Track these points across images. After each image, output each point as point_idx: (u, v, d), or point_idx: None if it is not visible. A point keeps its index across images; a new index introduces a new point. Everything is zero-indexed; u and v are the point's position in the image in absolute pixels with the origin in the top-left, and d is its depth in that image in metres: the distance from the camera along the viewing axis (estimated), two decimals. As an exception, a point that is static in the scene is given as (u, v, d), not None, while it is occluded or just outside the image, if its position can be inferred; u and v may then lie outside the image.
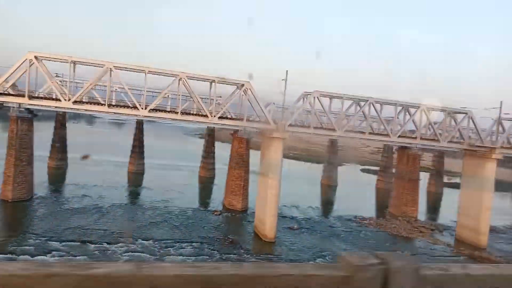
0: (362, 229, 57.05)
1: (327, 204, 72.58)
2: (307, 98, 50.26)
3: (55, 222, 45.15)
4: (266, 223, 47.36)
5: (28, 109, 51.79)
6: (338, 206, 72.98)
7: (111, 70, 42.62)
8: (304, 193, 78.20)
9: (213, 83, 46.77)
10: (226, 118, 49.40)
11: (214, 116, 45.47)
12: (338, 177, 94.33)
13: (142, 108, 43.45)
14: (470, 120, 54.23)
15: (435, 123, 58.60)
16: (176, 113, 45.64)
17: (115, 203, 55.29)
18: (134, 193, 64.27)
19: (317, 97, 49.30)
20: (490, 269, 3.23)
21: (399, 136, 52.22)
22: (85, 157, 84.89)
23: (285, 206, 66.99)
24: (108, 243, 40.68)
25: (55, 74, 58.19)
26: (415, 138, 53.87)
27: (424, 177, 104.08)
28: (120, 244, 40.80)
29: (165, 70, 44.97)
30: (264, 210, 47.86)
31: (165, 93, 46.91)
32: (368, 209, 69.45)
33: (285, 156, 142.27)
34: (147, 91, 45.89)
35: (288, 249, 46.17)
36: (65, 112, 75.90)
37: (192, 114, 47.91)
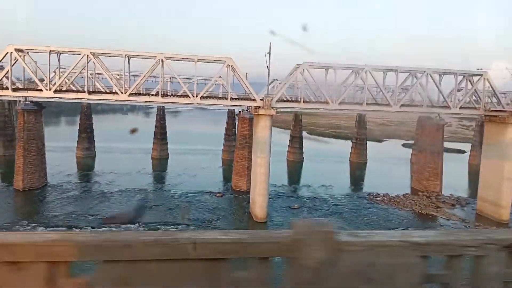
0: (371, 206, 53.85)
1: (346, 182, 69.27)
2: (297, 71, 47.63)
3: (52, 209, 47.16)
4: (256, 203, 46.08)
5: (35, 101, 54.22)
6: (357, 183, 69.73)
7: (88, 56, 43.13)
8: (326, 171, 75.56)
9: (195, 62, 45.68)
10: (211, 97, 48.22)
11: (196, 97, 44.51)
12: (370, 153, 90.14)
13: (123, 93, 43.59)
14: (487, 83, 48.57)
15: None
16: (157, 95, 45.34)
17: (121, 188, 56.54)
18: (145, 178, 65.06)
19: (307, 69, 46.57)
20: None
21: (402, 105, 48.04)
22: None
23: (295, 184, 65.42)
24: (92, 228, 41.70)
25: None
26: (421, 106, 49.34)
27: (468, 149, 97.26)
28: (104, 229, 41.61)
29: (145, 52, 44.70)
30: (254, 189, 46.57)
31: (146, 76, 46.46)
32: (393, 186, 65.24)
33: (324, 134, 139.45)
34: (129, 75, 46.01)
35: (278, 229, 44.58)
36: (89, 103, 79.11)
37: (175, 96, 47.33)
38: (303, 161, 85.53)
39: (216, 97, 49.59)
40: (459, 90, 52.05)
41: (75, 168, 71.42)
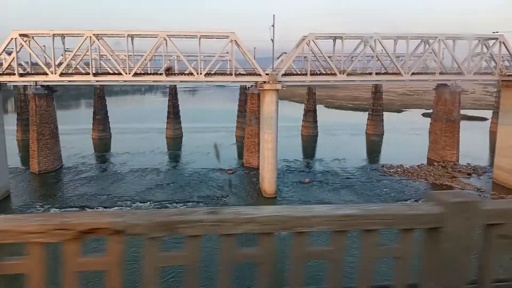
0: (384, 179, 53.00)
1: (360, 154, 68.05)
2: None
3: (66, 191, 48.19)
4: (265, 179, 45.92)
5: (46, 86, 54.76)
6: (372, 156, 68.64)
7: (90, 38, 42.99)
8: (340, 145, 74.66)
9: (199, 39, 44.97)
10: (216, 74, 47.61)
11: (201, 74, 44.04)
12: (388, 124, 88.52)
13: (127, 73, 43.44)
14: (503, 46, 46.32)
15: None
16: (161, 74, 45.00)
17: (134, 168, 57.22)
18: (158, 158, 65.23)
19: (313, 40, 45.27)
20: None
21: (414, 74, 46.41)
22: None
23: (308, 159, 64.90)
24: (104, 207, 42.43)
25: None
26: (433, 74, 47.58)
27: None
28: (115, 208, 42.31)
29: (147, 31, 44.29)
30: (263, 165, 46.34)
31: (151, 55, 46.07)
32: (409, 157, 63.94)
33: (342, 107, 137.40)
34: (134, 54, 45.74)
35: (288, 203, 44.45)
36: (102, 85, 79.67)
37: (178, 74, 46.95)
38: (317, 135, 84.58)
39: (222, 74, 48.88)
40: (475, 56, 49.96)
41: (90, 150, 72.34)
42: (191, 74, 44.70)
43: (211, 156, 65.45)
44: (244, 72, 52.95)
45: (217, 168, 57.45)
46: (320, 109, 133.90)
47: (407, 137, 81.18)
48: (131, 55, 46.85)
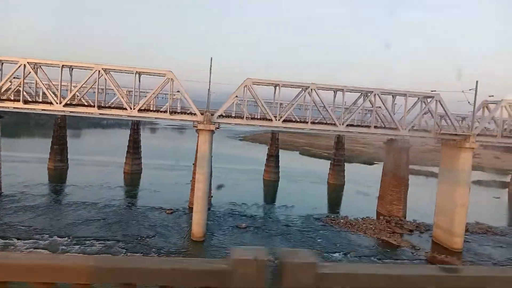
0: (323, 229, 51.84)
1: (312, 203, 66.48)
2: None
3: (-12, 219, 46.41)
4: (194, 221, 44.64)
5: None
6: (323, 205, 67.64)
7: (25, 66, 42.90)
8: (297, 192, 73.88)
9: (137, 75, 44.97)
10: (149, 110, 47.31)
11: (134, 109, 43.70)
12: (353, 175, 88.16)
13: (57, 103, 43.01)
14: (439, 105, 46.83)
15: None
16: (93, 106, 44.48)
17: (72, 201, 55.67)
18: (105, 192, 63.06)
19: (250, 86, 45.45)
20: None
21: (349, 125, 46.45)
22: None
23: (257, 204, 63.70)
24: (18, 239, 40.66)
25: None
26: (369, 127, 47.72)
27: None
28: (29, 241, 40.59)
29: (83, 63, 44.32)
30: (195, 206, 45.20)
31: (88, 87, 45.71)
32: (360, 209, 63.18)
33: (316, 155, 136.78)
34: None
35: (213, 248, 42.97)
36: (64, 115, 78.94)
37: (112, 108, 46.64)
38: (278, 180, 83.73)
39: (157, 111, 48.62)
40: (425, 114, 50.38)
41: (42, 179, 70.42)
42: (125, 108, 44.40)
43: (159, 195, 63.99)
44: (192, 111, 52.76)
45: (157, 207, 55.94)
46: (294, 155, 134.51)
47: (366, 189, 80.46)
48: (73, 86, 46.63)
